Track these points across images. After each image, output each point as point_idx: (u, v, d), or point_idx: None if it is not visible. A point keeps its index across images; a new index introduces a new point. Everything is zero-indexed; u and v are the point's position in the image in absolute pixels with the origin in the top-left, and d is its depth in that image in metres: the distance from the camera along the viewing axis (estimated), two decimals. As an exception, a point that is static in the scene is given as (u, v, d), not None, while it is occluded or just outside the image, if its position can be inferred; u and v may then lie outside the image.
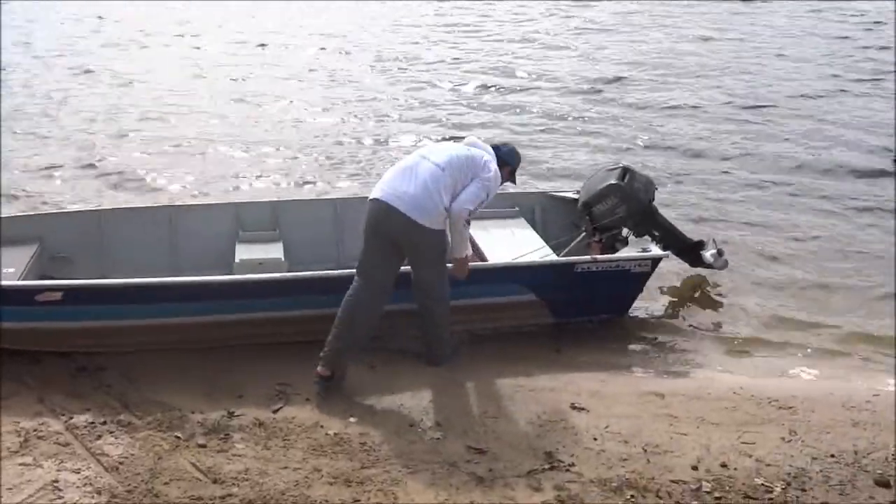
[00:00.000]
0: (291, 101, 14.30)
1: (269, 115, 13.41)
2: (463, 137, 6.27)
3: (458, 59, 17.82)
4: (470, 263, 5.84)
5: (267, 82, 15.74)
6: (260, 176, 10.44)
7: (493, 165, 5.82)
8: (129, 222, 7.04)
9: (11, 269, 6.18)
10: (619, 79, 15.70)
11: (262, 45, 19.72)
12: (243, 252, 6.74)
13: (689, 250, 7.32)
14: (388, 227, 5.52)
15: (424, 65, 17.47)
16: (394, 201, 5.49)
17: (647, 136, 12.17)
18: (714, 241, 7.40)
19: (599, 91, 14.95)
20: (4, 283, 5.80)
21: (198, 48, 19.57)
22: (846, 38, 19.47)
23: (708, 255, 7.27)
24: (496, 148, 6.02)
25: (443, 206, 5.53)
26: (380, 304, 5.65)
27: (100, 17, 24.23)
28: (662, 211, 7.25)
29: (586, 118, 13.24)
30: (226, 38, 20.50)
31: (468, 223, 5.75)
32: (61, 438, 4.97)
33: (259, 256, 6.63)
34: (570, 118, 13.31)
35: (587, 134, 12.45)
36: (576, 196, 7.23)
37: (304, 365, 5.81)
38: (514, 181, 6.32)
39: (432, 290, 5.80)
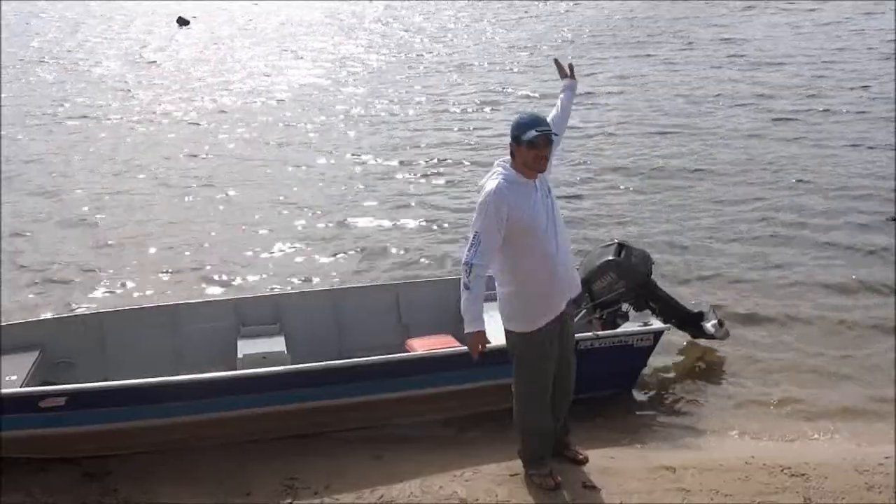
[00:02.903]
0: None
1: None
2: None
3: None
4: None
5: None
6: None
7: (486, 184, 5.11)
8: (129, 323, 7.05)
9: (13, 377, 6.16)
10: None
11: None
12: (245, 347, 6.74)
13: (690, 322, 7.33)
14: None
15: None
16: None
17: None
18: (714, 311, 7.41)
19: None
20: (6, 390, 5.78)
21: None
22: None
23: (709, 325, 7.28)
24: None
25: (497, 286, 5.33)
26: None
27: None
28: (660, 283, 7.30)
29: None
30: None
31: (467, 286, 4.97)
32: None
33: (262, 351, 6.62)
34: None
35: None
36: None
37: (311, 458, 5.79)
38: (534, 157, 5.02)
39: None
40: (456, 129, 16.80)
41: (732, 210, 11.43)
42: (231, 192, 13.22)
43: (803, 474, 5.52)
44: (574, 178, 12.96)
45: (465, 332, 5.08)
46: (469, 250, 4.96)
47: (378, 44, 28.56)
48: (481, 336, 5.06)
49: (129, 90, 22.12)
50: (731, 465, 5.69)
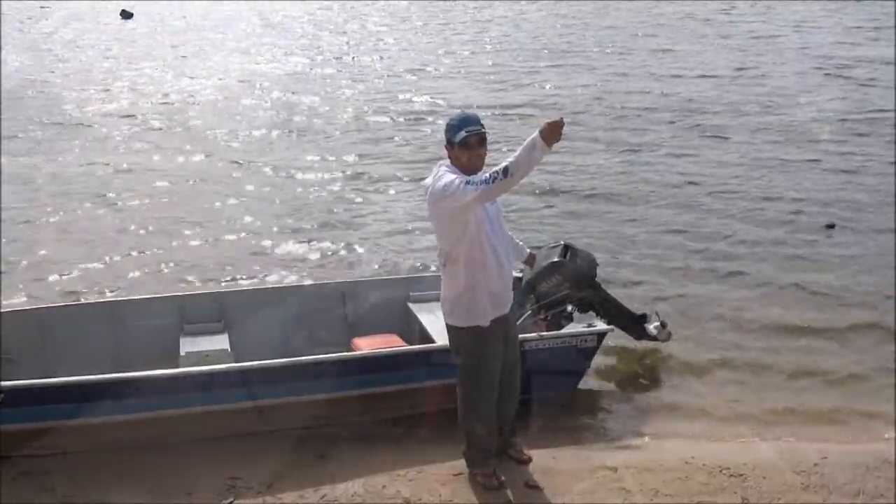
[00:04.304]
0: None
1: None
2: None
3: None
4: (414, 347, 5.69)
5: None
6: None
7: (442, 175, 5.03)
8: (71, 319, 6.93)
9: None
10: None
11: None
12: (188, 345, 6.66)
13: (634, 324, 7.41)
14: None
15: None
16: None
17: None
18: (657, 314, 7.50)
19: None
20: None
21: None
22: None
23: (652, 327, 7.37)
24: None
25: (444, 265, 5.23)
26: None
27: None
28: (604, 286, 7.37)
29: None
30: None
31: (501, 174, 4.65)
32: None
33: (205, 349, 6.56)
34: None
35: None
36: (519, 275, 7.31)
37: (254, 457, 5.75)
38: (468, 157, 5.02)
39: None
40: (384, 137, 16.66)
41: (659, 230, 11.41)
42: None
43: (741, 475, 5.62)
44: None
45: (535, 145, 4.60)
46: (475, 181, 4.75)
47: (305, 47, 28.34)
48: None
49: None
50: (671, 465, 5.78)
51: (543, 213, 12.03)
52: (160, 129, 17.32)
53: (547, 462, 5.76)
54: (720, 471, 5.67)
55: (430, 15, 34.96)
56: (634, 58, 23.93)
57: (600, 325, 6.88)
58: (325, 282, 8.75)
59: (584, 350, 6.77)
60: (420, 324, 7.09)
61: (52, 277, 9.65)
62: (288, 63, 24.95)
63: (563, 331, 6.77)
